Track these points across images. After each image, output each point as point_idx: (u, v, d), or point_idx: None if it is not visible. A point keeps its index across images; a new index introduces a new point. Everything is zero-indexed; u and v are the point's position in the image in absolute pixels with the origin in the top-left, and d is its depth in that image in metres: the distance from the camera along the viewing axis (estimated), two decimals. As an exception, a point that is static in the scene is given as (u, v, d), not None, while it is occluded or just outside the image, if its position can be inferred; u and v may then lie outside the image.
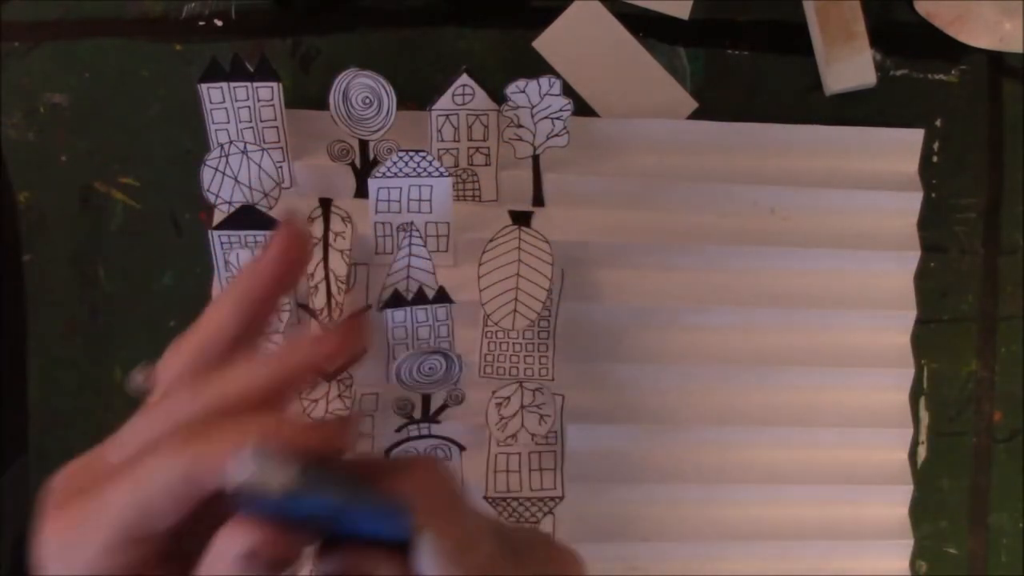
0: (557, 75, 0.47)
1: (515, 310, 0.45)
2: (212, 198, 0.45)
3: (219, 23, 0.48)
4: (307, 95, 0.48)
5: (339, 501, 0.25)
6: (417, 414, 0.46)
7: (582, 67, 0.49)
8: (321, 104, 0.45)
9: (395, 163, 0.44)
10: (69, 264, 0.48)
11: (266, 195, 0.45)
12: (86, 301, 0.48)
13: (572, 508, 0.46)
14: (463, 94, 0.45)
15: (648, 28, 0.49)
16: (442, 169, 0.44)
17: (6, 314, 0.48)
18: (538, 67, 0.49)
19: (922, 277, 0.50)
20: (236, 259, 0.44)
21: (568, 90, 0.48)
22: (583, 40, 0.49)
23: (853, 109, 0.50)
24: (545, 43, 0.49)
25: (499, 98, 0.46)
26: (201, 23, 0.48)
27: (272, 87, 0.44)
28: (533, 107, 0.46)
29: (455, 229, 0.46)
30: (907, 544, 0.49)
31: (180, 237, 0.49)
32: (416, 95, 0.46)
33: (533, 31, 0.49)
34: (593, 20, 0.49)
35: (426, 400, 0.46)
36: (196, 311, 0.48)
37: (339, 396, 0.44)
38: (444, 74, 0.47)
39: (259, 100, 0.44)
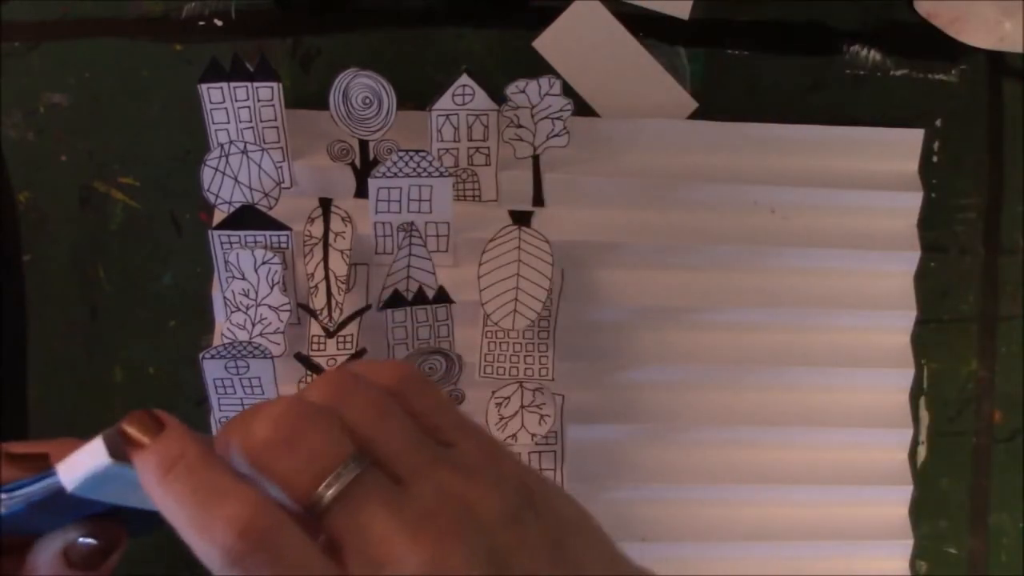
0: (557, 75, 0.47)
1: (515, 310, 0.45)
2: (212, 198, 0.45)
3: (219, 23, 0.48)
4: (307, 95, 0.48)
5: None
6: (417, 414, 0.46)
7: (582, 67, 0.49)
8: (321, 104, 0.45)
9: (395, 163, 0.44)
10: (69, 264, 0.48)
11: (266, 195, 0.45)
12: (86, 301, 0.48)
13: (572, 508, 0.46)
14: (463, 94, 0.45)
15: (648, 28, 0.49)
16: (442, 169, 0.44)
17: (6, 314, 0.48)
18: (538, 67, 0.49)
19: (922, 277, 0.50)
20: (236, 259, 0.44)
21: (568, 90, 0.48)
22: (583, 40, 0.49)
23: (853, 109, 0.50)
24: (545, 43, 0.49)
25: (499, 98, 0.46)
26: (201, 23, 0.48)
27: (272, 87, 0.44)
28: (533, 107, 0.46)
29: (455, 229, 0.46)
30: (907, 544, 0.49)
31: (180, 237, 0.49)
32: (416, 95, 0.46)
33: (533, 31, 0.49)
34: (593, 20, 0.49)
35: (426, 400, 0.46)
36: (196, 311, 0.48)
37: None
38: (444, 74, 0.47)
39: (259, 100, 0.44)
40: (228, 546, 0.25)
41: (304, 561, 0.25)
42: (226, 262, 0.44)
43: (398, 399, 0.29)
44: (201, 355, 0.43)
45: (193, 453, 0.26)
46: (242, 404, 0.44)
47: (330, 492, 0.25)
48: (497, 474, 0.28)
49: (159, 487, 0.25)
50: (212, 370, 0.43)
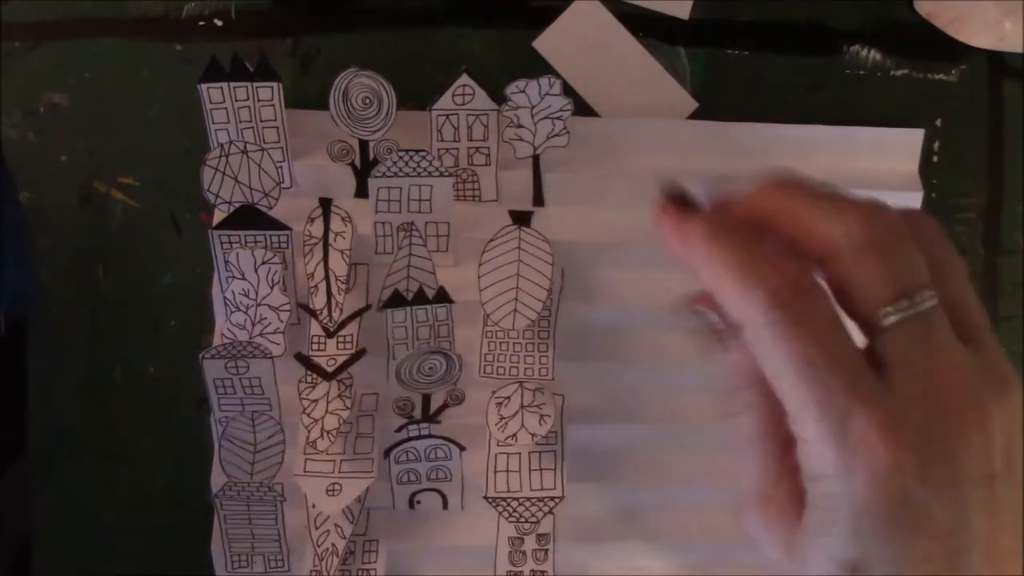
0: (557, 75, 0.47)
1: (515, 310, 0.45)
2: (212, 198, 0.45)
3: (219, 23, 0.48)
4: (307, 95, 0.48)
5: None
6: (417, 414, 0.46)
7: (582, 67, 0.49)
8: (321, 104, 0.45)
9: (395, 163, 0.44)
10: (69, 264, 0.48)
11: (266, 195, 0.45)
12: (86, 301, 0.48)
13: (572, 508, 0.46)
14: (463, 94, 0.45)
15: (648, 28, 0.49)
16: (442, 169, 0.44)
17: (6, 314, 0.48)
18: (538, 67, 0.49)
19: (922, 277, 0.49)
20: (236, 259, 0.44)
21: (568, 90, 0.48)
22: (583, 40, 0.49)
23: (853, 109, 0.50)
24: (545, 43, 0.49)
25: (499, 98, 0.46)
26: (201, 23, 0.48)
27: (272, 87, 0.44)
28: (533, 107, 0.46)
29: (455, 229, 0.46)
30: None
31: (180, 237, 0.49)
32: (416, 95, 0.46)
33: (533, 31, 0.49)
34: (593, 20, 0.49)
35: (426, 400, 0.46)
36: (196, 311, 0.48)
37: (339, 396, 0.44)
38: (444, 74, 0.47)
39: (259, 100, 0.44)
40: (773, 289, 0.26)
41: (834, 329, 0.26)
42: (226, 262, 0.44)
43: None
44: (201, 355, 0.43)
45: (740, 225, 0.28)
46: (242, 404, 0.44)
47: (899, 314, 0.25)
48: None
49: (707, 239, 0.28)
50: (212, 370, 0.43)
